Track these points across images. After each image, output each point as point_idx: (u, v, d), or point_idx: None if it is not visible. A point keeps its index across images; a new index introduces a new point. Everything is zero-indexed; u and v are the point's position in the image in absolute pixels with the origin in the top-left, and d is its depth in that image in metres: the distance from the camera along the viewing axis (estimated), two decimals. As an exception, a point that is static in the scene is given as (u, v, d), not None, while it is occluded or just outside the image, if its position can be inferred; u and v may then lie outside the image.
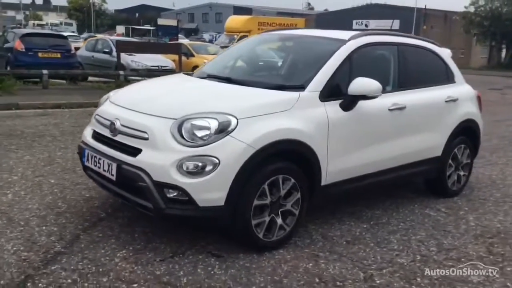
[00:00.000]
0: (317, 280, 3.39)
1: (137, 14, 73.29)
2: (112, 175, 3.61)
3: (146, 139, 3.49)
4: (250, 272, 3.42)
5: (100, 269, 3.32)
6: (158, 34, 32.80)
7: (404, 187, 5.59)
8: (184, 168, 3.32)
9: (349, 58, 4.22)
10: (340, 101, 4.04)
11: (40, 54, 12.87)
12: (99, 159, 3.76)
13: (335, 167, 4.03)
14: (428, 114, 4.87)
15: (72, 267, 3.32)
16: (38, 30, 19.88)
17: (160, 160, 3.38)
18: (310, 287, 3.31)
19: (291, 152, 3.74)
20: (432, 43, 5.31)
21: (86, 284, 3.13)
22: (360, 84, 3.99)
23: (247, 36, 18.18)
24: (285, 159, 3.74)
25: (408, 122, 4.63)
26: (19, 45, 12.82)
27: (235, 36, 26.06)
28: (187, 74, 4.76)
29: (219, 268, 3.45)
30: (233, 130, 3.42)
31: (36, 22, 67.78)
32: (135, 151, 3.53)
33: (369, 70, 4.37)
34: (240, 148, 3.39)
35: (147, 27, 51.91)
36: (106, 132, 3.82)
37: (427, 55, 5.11)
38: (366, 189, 4.68)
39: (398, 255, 3.87)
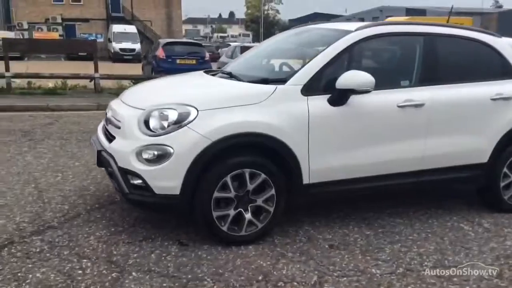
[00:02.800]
0: (260, 277, 3.27)
1: (309, 23, 74.91)
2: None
3: (119, 127, 3.75)
4: (200, 263, 3.44)
5: (70, 244, 3.65)
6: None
7: (456, 196, 4.97)
8: (143, 156, 3.49)
9: (347, 50, 3.94)
10: (329, 95, 3.80)
11: (178, 61, 14.13)
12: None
13: (320, 166, 3.80)
14: (461, 113, 4.26)
15: (49, 239, 3.70)
16: (178, 39, 21.62)
17: (124, 147, 3.60)
18: (248, 282, 3.21)
19: (260, 146, 3.64)
20: (485, 32, 4.62)
21: (48, 255, 3.47)
22: (349, 77, 3.71)
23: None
24: (257, 153, 3.66)
25: (429, 121, 4.11)
26: (161, 53, 14.27)
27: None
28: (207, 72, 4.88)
29: (173, 255, 3.53)
30: (191, 121, 3.48)
31: (220, 34, 73.93)
32: (112, 139, 3.82)
33: (377, 63, 4.04)
34: (194, 139, 3.44)
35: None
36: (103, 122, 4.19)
37: (473, 47, 4.46)
38: (367, 193, 4.31)
39: (377, 266, 3.51)
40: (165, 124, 3.51)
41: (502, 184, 4.53)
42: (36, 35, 38.38)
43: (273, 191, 3.71)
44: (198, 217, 3.61)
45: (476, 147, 4.34)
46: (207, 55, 14.87)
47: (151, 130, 3.53)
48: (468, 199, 4.89)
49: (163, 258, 3.48)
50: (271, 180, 3.68)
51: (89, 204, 4.45)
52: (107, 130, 4.05)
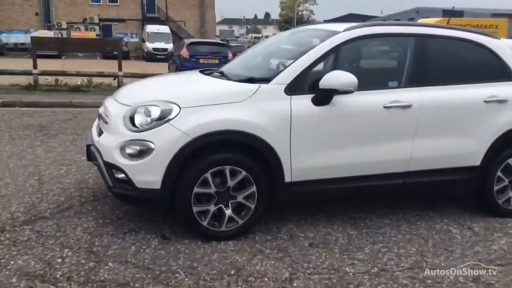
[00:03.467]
0: (232, 272, 3.34)
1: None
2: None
3: (107, 123, 3.88)
4: (177, 256, 3.53)
5: (57, 234, 3.80)
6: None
7: (452, 199, 4.92)
8: (126, 151, 3.61)
9: (334, 51, 3.96)
10: (313, 95, 3.84)
11: (201, 60, 14.29)
12: None
13: (302, 164, 3.84)
14: (451, 115, 4.20)
15: (38, 229, 3.87)
16: (203, 39, 21.78)
17: (109, 142, 3.73)
18: (219, 276, 3.28)
19: (240, 144, 3.71)
20: (481, 34, 4.55)
21: (33, 243, 3.63)
22: (332, 77, 3.73)
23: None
24: (238, 150, 3.72)
25: (417, 122, 4.08)
26: (185, 53, 14.48)
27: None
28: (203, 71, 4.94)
29: (153, 248, 3.63)
30: (173, 117, 3.57)
31: (254, 35, 74.23)
32: (100, 133, 3.96)
33: (365, 64, 4.04)
34: (175, 135, 3.53)
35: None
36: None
37: (467, 48, 4.40)
38: (350, 194, 4.30)
39: (352, 265, 3.53)
40: (147, 120, 3.62)
41: (496, 188, 4.46)
42: (74, 34, 39.53)
43: (254, 188, 3.77)
44: (178, 211, 3.71)
45: (468, 149, 4.28)
46: (230, 54, 14.98)
47: (135, 126, 3.64)
48: (463, 202, 4.83)
49: (142, 250, 3.59)
50: (252, 177, 3.74)
51: (84, 197, 4.61)
52: (98, 125, 4.19)
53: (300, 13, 72.65)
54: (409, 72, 4.17)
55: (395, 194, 4.83)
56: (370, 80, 4.11)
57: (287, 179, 3.83)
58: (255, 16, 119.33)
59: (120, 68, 12.65)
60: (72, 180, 5.09)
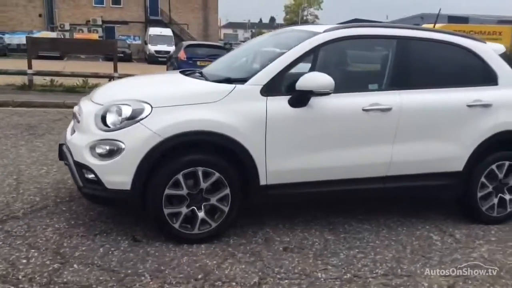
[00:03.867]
0: (199, 276, 3.26)
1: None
2: (59, 153, 4.04)
3: (79, 122, 3.82)
4: (145, 259, 3.44)
5: (26, 234, 3.72)
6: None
7: (437, 205, 4.82)
8: (97, 151, 3.54)
9: (313, 52, 3.89)
10: (290, 96, 3.76)
11: (198, 63, 14.23)
12: None
13: (278, 167, 3.76)
14: (432, 119, 4.10)
15: (8, 229, 3.79)
16: (201, 42, 21.81)
17: (80, 141, 3.66)
18: (186, 280, 3.20)
19: (214, 145, 3.63)
20: (467, 37, 4.46)
21: (0, 243, 3.56)
22: (308, 78, 3.66)
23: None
24: (212, 151, 3.65)
25: (397, 126, 3.99)
26: (182, 55, 14.45)
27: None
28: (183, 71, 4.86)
29: (122, 250, 3.55)
30: (144, 117, 3.50)
31: (258, 39, 74.22)
32: (73, 133, 3.89)
33: (345, 65, 3.96)
34: (146, 135, 3.46)
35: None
36: None
37: (452, 51, 4.31)
38: (328, 197, 4.23)
39: (325, 270, 3.44)
40: (119, 119, 3.55)
41: (479, 194, 4.36)
42: (77, 36, 39.56)
43: (227, 191, 3.69)
44: (149, 213, 3.63)
45: (450, 154, 4.19)
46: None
47: (107, 126, 3.57)
48: (447, 208, 4.74)
49: (110, 252, 3.51)
50: (226, 180, 3.66)
51: (60, 197, 4.54)
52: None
53: (304, 17, 72.62)
54: (390, 75, 4.09)
55: (376, 199, 4.74)
56: (349, 82, 4.04)
57: (262, 181, 3.75)
58: (260, 20, 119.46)
59: (115, 69, 12.60)
60: (51, 180, 5.02)
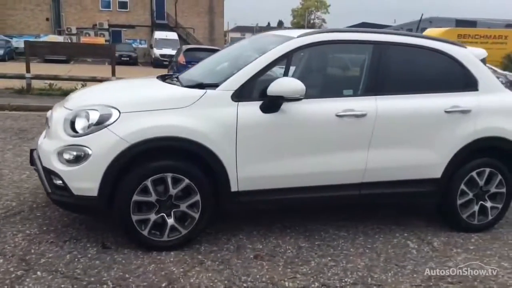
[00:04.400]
0: (164, 284, 3.22)
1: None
2: (30, 159, 4.02)
3: (49, 127, 3.79)
4: (111, 267, 3.40)
5: (-5, 241, 3.71)
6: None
7: (417, 212, 4.75)
8: (64, 157, 3.51)
9: (286, 57, 3.84)
10: (262, 102, 3.71)
11: (198, 67, 14.19)
12: None
13: (249, 173, 3.71)
14: (408, 125, 4.04)
15: (-22, 235, 3.78)
16: (200, 46, 21.80)
17: (48, 147, 3.64)
18: (148, 289, 3.16)
19: (183, 151, 3.59)
20: (446, 42, 4.39)
21: (-33, 250, 3.54)
22: (279, 84, 3.61)
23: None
24: (181, 157, 3.61)
25: (372, 132, 3.93)
26: (181, 59, 14.44)
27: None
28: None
29: (89, 258, 3.51)
30: (112, 123, 3.47)
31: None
32: (44, 139, 3.87)
33: (319, 71, 3.91)
34: (113, 141, 3.43)
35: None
36: None
37: (430, 56, 4.24)
38: (303, 204, 4.19)
39: (293, 279, 3.38)
40: (86, 124, 3.52)
41: (459, 201, 4.29)
42: (84, 39, 39.83)
43: (198, 197, 3.64)
44: (117, 220, 3.59)
45: (427, 161, 4.12)
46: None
47: (75, 131, 3.55)
48: (429, 216, 4.66)
49: (76, 260, 3.47)
50: (196, 186, 3.62)
51: (37, 203, 4.52)
52: (48, 130, 4.11)
53: (312, 21, 72.53)
54: (365, 81, 4.03)
55: (352, 206, 4.67)
56: (323, 87, 3.99)
57: (234, 188, 3.71)
58: (268, 24, 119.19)
59: (113, 73, 12.62)
60: (31, 185, 5.01)
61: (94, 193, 3.46)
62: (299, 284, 3.33)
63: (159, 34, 37.47)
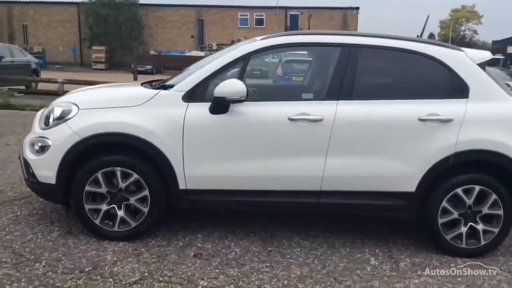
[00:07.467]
0: (86, 269, 3.42)
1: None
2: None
3: (39, 122, 4.27)
4: (56, 249, 3.68)
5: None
6: (507, 63, 30.73)
7: (405, 228, 4.36)
8: (34, 147, 3.94)
9: (243, 59, 3.85)
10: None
11: (293, 78, 14.32)
12: None
13: (197, 172, 3.79)
14: (372, 132, 3.75)
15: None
16: (299, 58, 21.56)
17: (26, 138, 4.10)
18: (70, 271, 3.37)
19: (131, 147, 3.79)
20: (436, 44, 4.00)
21: None
22: (223, 85, 3.65)
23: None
24: (130, 153, 3.81)
25: (330, 138, 3.74)
26: (279, 70, 14.66)
27: None
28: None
29: (47, 239, 3.86)
30: (70, 117, 3.82)
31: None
32: (35, 133, 4.35)
33: (278, 73, 3.85)
34: (67, 134, 3.76)
35: (498, 56, 47.60)
36: None
37: (411, 60, 3.89)
38: (260, 208, 4.08)
39: (212, 279, 3.39)
40: (52, 119, 3.91)
41: (441, 220, 3.86)
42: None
43: (146, 192, 3.81)
44: (73, 207, 3.91)
45: (397, 173, 3.79)
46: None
47: (45, 124, 3.95)
48: (417, 233, 4.24)
49: (34, 239, 3.85)
50: (144, 181, 3.80)
51: (17, 193, 4.95)
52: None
53: (462, 33, 68.15)
54: (329, 84, 3.86)
55: (342, 217, 4.45)
56: (279, 90, 3.91)
57: (182, 186, 3.81)
58: (417, 36, 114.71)
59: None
60: (17, 179, 5.11)
61: (52, 181, 3.81)
62: (213, 284, 3.31)
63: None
